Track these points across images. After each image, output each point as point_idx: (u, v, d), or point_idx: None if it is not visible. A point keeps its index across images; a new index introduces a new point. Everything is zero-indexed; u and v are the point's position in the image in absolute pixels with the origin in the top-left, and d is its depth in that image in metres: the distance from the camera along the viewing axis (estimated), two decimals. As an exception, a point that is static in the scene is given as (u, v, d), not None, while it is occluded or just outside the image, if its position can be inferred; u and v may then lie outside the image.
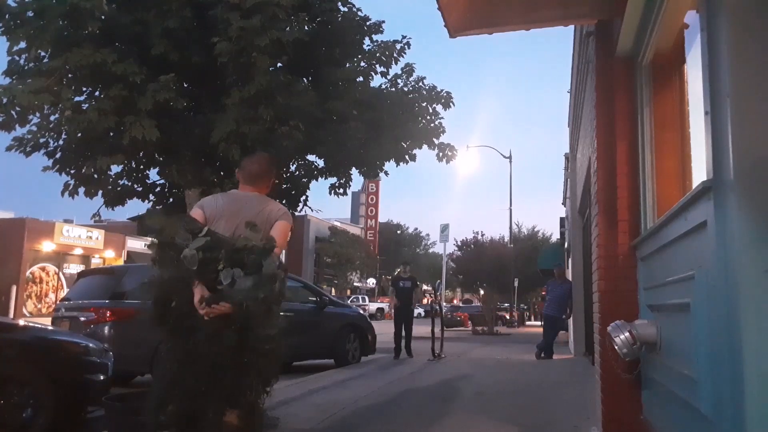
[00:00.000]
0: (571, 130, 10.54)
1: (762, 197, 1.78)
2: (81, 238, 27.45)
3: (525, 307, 42.65)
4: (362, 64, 5.20)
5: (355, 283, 49.54)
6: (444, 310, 16.93)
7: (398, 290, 10.80)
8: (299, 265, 42.37)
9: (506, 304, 33.61)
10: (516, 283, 30.40)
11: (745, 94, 1.84)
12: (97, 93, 4.43)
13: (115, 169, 4.69)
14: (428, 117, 5.37)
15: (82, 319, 7.15)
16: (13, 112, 4.13)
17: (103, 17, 4.05)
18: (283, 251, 3.01)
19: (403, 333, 10.60)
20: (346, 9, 5.19)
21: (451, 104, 5.39)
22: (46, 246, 25.58)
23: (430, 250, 60.10)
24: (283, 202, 5.38)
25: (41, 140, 4.50)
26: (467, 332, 24.18)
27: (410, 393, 6.52)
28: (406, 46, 5.27)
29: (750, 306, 1.76)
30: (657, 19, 3.02)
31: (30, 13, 4.06)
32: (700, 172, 2.39)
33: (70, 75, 4.17)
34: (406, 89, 5.41)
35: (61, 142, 4.55)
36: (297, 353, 9.08)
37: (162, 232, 2.91)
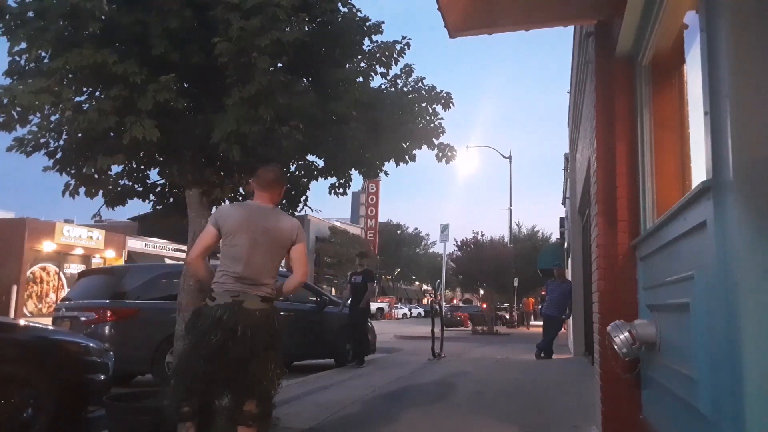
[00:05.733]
0: (571, 130, 10.54)
1: (762, 197, 1.79)
2: (81, 238, 27.44)
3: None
4: (362, 64, 5.19)
5: (355, 283, 49.43)
6: (444, 310, 16.93)
7: (351, 286, 9.80)
8: (299, 265, 42.26)
9: (506, 304, 33.60)
10: (516, 283, 30.37)
11: (744, 94, 1.85)
12: (97, 93, 4.42)
13: (116, 169, 4.67)
14: (428, 117, 5.35)
15: (83, 318, 7.16)
16: (13, 113, 4.11)
17: (103, 18, 4.04)
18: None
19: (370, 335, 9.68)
20: (346, 9, 5.18)
21: (450, 105, 5.37)
22: (47, 246, 25.57)
23: (430, 250, 60.14)
24: (283, 202, 5.38)
25: (42, 140, 4.48)
26: (467, 332, 24.20)
27: (410, 392, 6.52)
28: (406, 47, 5.26)
29: (749, 306, 1.77)
30: (657, 19, 3.03)
31: (30, 14, 4.05)
32: (699, 172, 2.39)
33: (70, 75, 4.16)
34: (405, 90, 5.40)
35: (61, 143, 4.53)
36: (297, 353, 9.10)
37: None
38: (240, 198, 4.94)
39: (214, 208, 4.99)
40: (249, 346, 2.95)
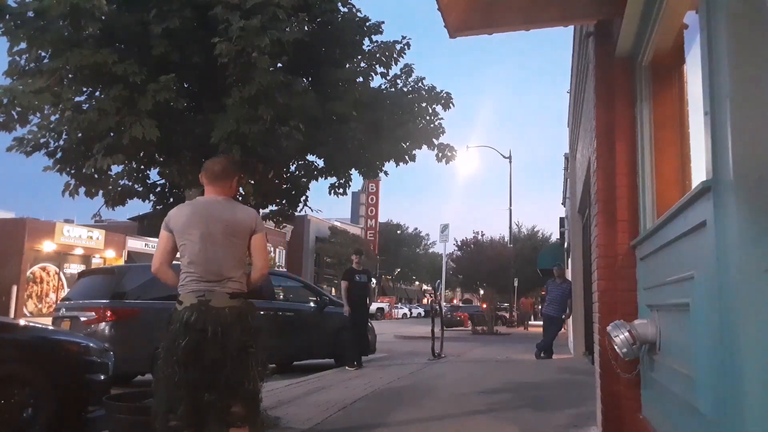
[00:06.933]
0: (571, 130, 10.55)
1: (762, 197, 1.79)
2: (81, 238, 27.44)
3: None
4: (362, 64, 5.19)
5: (355, 283, 49.39)
6: (444, 310, 16.93)
7: (354, 285, 9.11)
8: (299, 265, 42.35)
9: (506, 304, 33.62)
10: (516, 283, 30.38)
11: (745, 94, 1.85)
12: (97, 93, 4.42)
13: (116, 169, 4.67)
14: (428, 117, 5.36)
15: (83, 318, 7.16)
16: (13, 113, 4.12)
17: (103, 17, 4.04)
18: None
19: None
20: (346, 9, 5.18)
21: (450, 105, 5.38)
22: (47, 246, 25.57)
23: (430, 250, 60.12)
24: (283, 202, 5.38)
25: (42, 140, 4.49)
26: (467, 332, 24.21)
27: (410, 392, 6.52)
28: (405, 47, 5.26)
29: (749, 306, 1.77)
30: (657, 19, 3.03)
31: (30, 14, 4.05)
32: (699, 172, 2.39)
33: (70, 75, 4.17)
34: (405, 90, 5.40)
35: (61, 142, 4.54)
36: (297, 353, 9.10)
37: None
38: (240, 198, 4.94)
39: None
40: (221, 346, 2.84)
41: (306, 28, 4.38)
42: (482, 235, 29.13)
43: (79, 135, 4.30)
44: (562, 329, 13.02)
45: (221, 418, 2.88)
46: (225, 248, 3.00)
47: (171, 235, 3.05)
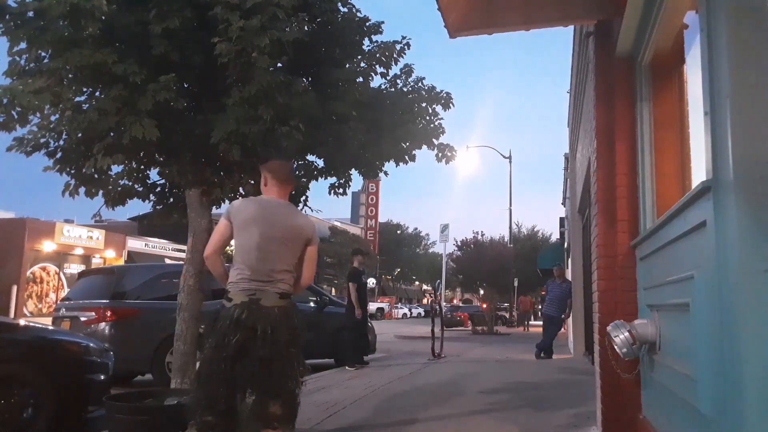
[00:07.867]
0: (571, 130, 10.55)
1: (762, 197, 1.79)
2: (81, 238, 27.42)
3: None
4: (362, 64, 5.18)
5: (355, 283, 49.33)
6: (444, 310, 16.93)
7: (360, 287, 9.21)
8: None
9: (506, 304, 33.61)
10: (516, 283, 30.36)
11: (744, 94, 1.85)
12: (97, 93, 4.42)
13: (116, 169, 4.67)
14: (428, 117, 5.35)
15: (83, 318, 7.16)
16: (13, 113, 4.11)
17: (103, 17, 4.03)
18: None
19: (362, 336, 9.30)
20: (345, 9, 5.18)
21: (450, 105, 5.37)
22: (47, 246, 25.54)
23: (430, 250, 60.11)
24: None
25: (42, 140, 4.48)
26: (467, 332, 24.21)
27: (410, 392, 6.52)
28: (405, 47, 5.25)
29: (749, 306, 1.77)
30: (657, 19, 3.03)
31: (30, 14, 4.05)
32: (699, 172, 2.39)
33: (70, 75, 4.16)
34: (405, 90, 5.40)
35: (61, 142, 4.54)
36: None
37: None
38: (240, 198, 4.93)
39: (213, 208, 4.99)
40: (270, 345, 2.87)
41: (306, 28, 4.38)
42: (482, 235, 29.03)
43: (79, 135, 4.29)
44: (562, 329, 13.02)
45: (258, 418, 2.88)
46: (279, 251, 3.05)
47: (231, 226, 3.09)
